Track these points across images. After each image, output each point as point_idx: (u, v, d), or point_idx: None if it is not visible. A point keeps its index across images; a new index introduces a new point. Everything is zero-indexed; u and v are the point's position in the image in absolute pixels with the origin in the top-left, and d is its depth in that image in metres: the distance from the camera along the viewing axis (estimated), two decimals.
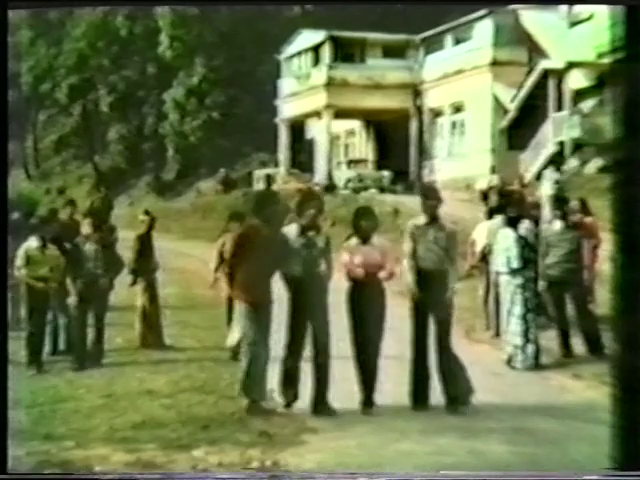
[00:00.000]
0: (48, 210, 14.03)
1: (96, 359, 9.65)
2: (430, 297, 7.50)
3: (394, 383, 7.63)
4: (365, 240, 7.59)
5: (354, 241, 7.63)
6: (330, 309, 7.50)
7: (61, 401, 7.90)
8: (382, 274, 7.52)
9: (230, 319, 9.89)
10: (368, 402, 7.43)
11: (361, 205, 8.01)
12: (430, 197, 7.70)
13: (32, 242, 9.79)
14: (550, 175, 17.70)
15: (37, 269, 9.70)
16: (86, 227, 9.84)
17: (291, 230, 7.56)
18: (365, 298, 7.47)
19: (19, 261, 9.69)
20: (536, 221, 10.44)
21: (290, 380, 7.47)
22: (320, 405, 7.36)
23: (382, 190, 28.39)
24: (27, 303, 9.77)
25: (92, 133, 42.92)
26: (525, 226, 9.44)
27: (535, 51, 27.51)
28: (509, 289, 9.24)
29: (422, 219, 7.69)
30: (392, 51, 32.24)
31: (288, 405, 7.44)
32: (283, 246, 7.44)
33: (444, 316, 7.56)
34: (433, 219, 7.64)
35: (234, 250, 7.54)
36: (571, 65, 25.26)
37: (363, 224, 7.62)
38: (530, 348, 9.01)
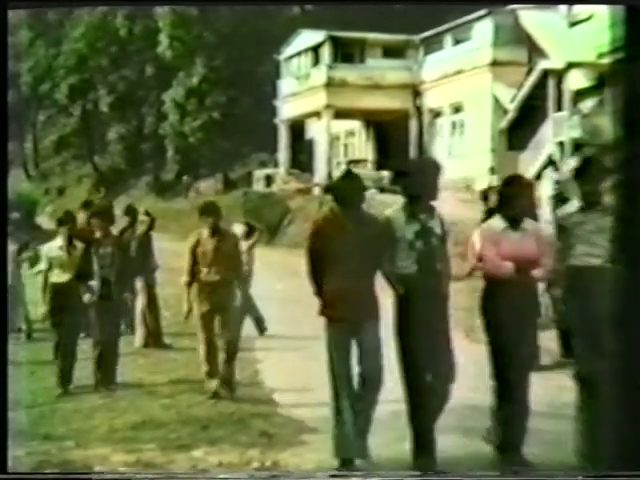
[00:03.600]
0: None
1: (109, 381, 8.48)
2: (586, 302, 5.47)
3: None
4: (515, 223, 5.58)
5: (499, 223, 5.63)
6: None
7: (61, 401, 7.90)
8: (537, 272, 5.53)
9: None
10: (514, 449, 5.68)
11: (511, 175, 5.86)
12: (588, 173, 5.55)
13: (56, 242, 8.66)
14: (550, 175, 17.71)
15: (63, 273, 8.48)
16: (99, 230, 8.54)
17: (398, 214, 5.83)
18: (512, 305, 5.44)
19: (43, 265, 8.60)
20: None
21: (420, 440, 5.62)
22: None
23: (382, 190, 28.35)
24: (54, 312, 8.52)
25: (92, 133, 42.84)
26: None
27: (535, 51, 27.47)
28: None
29: (575, 204, 5.58)
30: (392, 51, 32.23)
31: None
32: (387, 235, 5.66)
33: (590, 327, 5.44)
34: (592, 202, 5.48)
35: (312, 256, 5.70)
36: (571, 65, 25.23)
37: (514, 201, 5.54)
38: None
